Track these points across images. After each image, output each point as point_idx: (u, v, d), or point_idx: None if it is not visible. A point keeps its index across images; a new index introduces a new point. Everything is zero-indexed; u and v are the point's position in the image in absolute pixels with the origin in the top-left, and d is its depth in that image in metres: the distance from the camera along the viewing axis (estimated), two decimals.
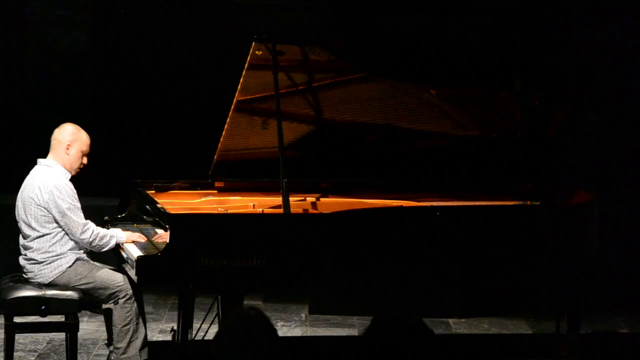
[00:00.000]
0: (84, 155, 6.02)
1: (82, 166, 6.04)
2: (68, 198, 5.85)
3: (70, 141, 5.97)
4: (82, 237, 5.86)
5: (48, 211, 5.85)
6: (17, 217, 5.98)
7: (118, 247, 5.94)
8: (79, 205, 5.92)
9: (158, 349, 6.24)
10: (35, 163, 6.02)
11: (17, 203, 5.98)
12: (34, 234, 5.89)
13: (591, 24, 8.65)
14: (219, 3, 9.09)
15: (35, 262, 5.90)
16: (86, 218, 6.03)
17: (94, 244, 5.89)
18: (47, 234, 5.88)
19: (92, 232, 5.87)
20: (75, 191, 5.93)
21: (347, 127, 6.34)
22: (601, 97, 8.49)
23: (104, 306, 5.98)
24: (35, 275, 5.91)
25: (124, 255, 5.84)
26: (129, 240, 5.91)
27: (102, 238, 5.89)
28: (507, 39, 8.70)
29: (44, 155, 6.01)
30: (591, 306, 7.06)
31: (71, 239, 5.89)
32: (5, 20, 9.05)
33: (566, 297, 6.35)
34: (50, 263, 5.89)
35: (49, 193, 5.84)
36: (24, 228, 5.94)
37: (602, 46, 8.63)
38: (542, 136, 6.45)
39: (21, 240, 5.99)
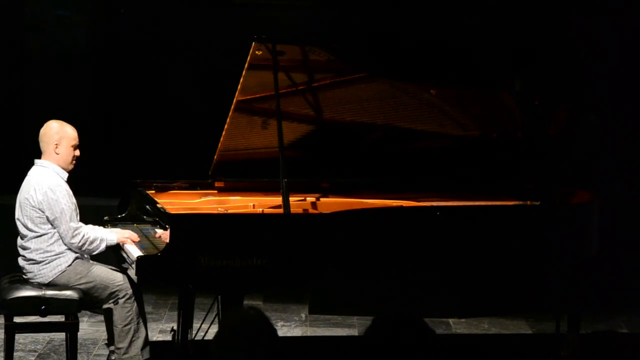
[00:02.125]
0: (74, 149, 6.00)
1: (75, 159, 6.03)
2: (62, 200, 5.84)
3: (57, 140, 5.94)
4: (72, 241, 5.85)
5: (42, 212, 5.84)
6: (15, 218, 5.98)
7: (118, 247, 5.94)
8: (73, 207, 5.89)
9: (158, 349, 6.24)
10: (33, 163, 6.02)
11: (16, 203, 5.98)
12: (30, 234, 5.89)
13: (591, 23, 8.65)
14: (219, 3, 9.09)
15: (34, 262, 5.90)
16: (86, 218, 6.03)
17: (83, 249, 5.88)
18: (44, 234, 5.87)
19: (82, 236, 5.85)
20: (70, 192, 5.92)
21: (347, 127, 6.34)
22: (601, 97, 8.48)
23: (104, 306, 5.98)
24: (35, 275, 5.91)
25: (124, 255, 5.84)
26: (120, 241, 5.89)
27: (91, 242, 5.87)
28: (507, 39, 8.69)
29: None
30: (591, 306, 7.06)
31: (63, 242, 5.89)
32: (5, 20, 9.05)
33: (566, 297, 6.35)
34: (49, 262, 5.89)
35: (43, 194, 5.83)
36: (21, 228, 5.94)
37: (601, 46, 8.62)
38: (542, 136, 6.45)
39: (19, 241, 5.98)
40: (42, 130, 6.00)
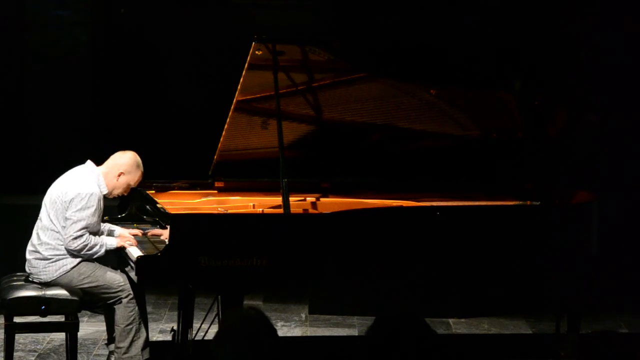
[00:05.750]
0: (128, 188, 6.04)
1: (121, 195, 6.06)
2: (88, 210, 5.81)
3: (125, 171, 6.00)
4: (69, 244, 5.84)
5: (67, 209, 5.84)
6: (43, 201, 5.97)
7: (120, 247, 5.92)
8: (92, 221, 5.84)
9: (158, 349, 6.24)
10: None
11: (52, 186, 5.97)
12: (49, 225, 5.89)
13: (591, 23, 8.65)
14: (219, 3, 9.09)
15: (41, 257, 5.89)
16: None
17: (82, 253, 5.87)
18: (59, 231, 5.87)
19: (82, 242, 5.83)
20: (101, 207, 5.89)
21: (347, 127, 6.34)
22: (601, 97, 8.49)
23: (109, 302, 5.97)
24: (39, 272, 5.90)
25: (125, 255, 5.84)
26: (120, 245, 5.89)
27: (91, 248, 5.86)
28: (507, 39, 8.69)
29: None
30: (591, 306, 7.06)
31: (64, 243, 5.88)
32: (5, 20, 9.05)
33: (566, 297, 6.35)
34: (55, 261, 5.88)
35: (76, 194, 5.83)
36: (43, 215, 5.94)
37: (602, 46, 8.63)
38: (542, 136, 6.45)
39: (36, 226, 5.97)
40: (120, 153, 6.07)
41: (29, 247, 5.98)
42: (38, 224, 5.98)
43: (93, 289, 5.90)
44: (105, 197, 5.99)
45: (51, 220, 5.90)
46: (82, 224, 5.83)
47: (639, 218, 8.52)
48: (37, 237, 5.94)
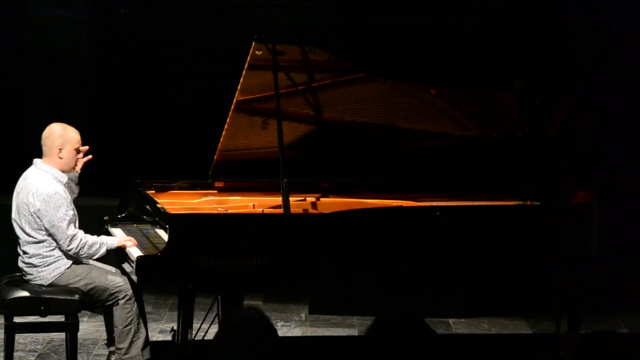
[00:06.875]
0: (77, 152, 5.95)
1: (78, 161, 6.00)
2: (62, 208, 5.75)
3: (60, 144, 5.87)
4: (69, 247, 5.80)
5: (40, 219, 5.80)
6: (12, 218, 5.93)
7: (121, 247, 5.91)
8: (70, 213, 5.80)
9: (158, 349, 6.24)
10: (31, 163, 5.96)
11: (12, 203, 5.93)
12: (29, 239, 5.83)
13: (591, 23, 8.65)
14: (219, 3, 9.09)
15: (32, 265, 5.86)
16: (86, 218, 6.01)
17: (81, 253, 5.83)
18: (42, 241, 5.81)
19: (80, 241, 5.80)
20: (68, 198, 5.84)
21: (347, 127, 6.34)
22: (601, 97, 8.49)
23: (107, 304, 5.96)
24: (35, 277, 5.88)
25: (125, 255, 5.83)
26: (121, 244, 5.87)
27: (90, 247, 5.83)
28: (507, 39, 8.70)
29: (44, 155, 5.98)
30: (591, 306, 7.06)
31: (60, 249, 5.85)
32: (5, 20, 9.05)
33: (566, 297, 6.35)
34: (48, 265, 5.85)
35: (41, 202, 5.75)
36: (19, 231, 5.88)
37: (602, 46, 8.63)
38: (542, 136, 6.45)
39: (18, 244, 5.93)
40: (45, 134, 5.93)
41: (20, 259, 5.93)
42: (19, 242, 5.90)
43: (90, 290, 5.88)
44: (71, 181, 5.96)
45: (29, 234, 5.83)
46: (66, 222, 5.77)
47: (639, 218, 8.52)
48: (24, 252, 5.88)
